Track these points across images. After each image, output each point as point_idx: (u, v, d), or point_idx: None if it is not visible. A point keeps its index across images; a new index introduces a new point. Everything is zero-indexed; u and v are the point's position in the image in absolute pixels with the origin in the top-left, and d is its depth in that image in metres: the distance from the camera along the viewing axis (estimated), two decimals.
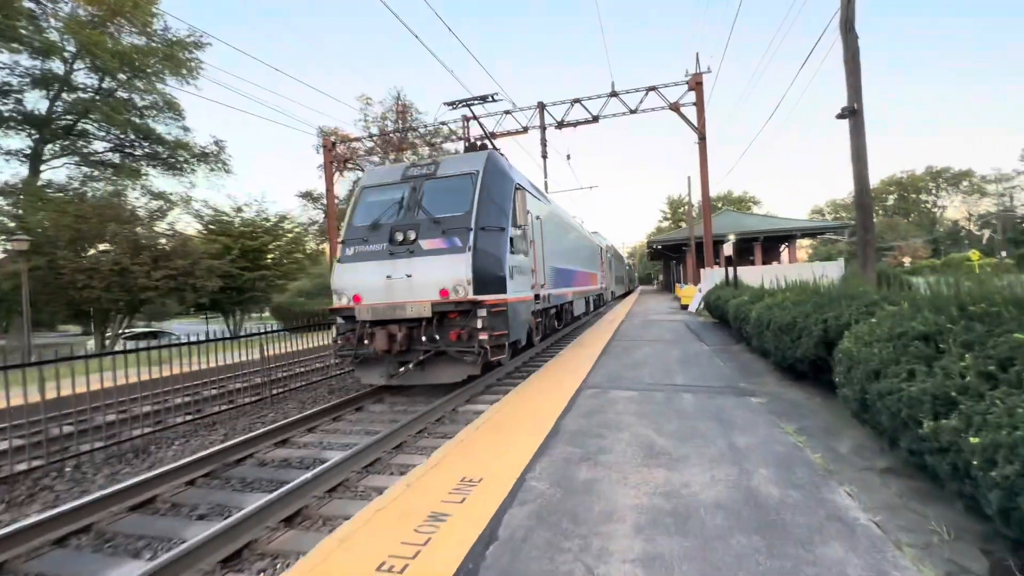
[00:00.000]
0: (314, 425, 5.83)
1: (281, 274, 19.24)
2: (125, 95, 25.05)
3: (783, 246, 33.99)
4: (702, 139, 20.00)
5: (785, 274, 9.29)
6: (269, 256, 18.27)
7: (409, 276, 6.10)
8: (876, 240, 8.44)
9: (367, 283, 6.28)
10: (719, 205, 69.72)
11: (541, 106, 21.62)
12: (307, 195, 36.78)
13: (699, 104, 19.89)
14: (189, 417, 6.43)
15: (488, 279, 6.11)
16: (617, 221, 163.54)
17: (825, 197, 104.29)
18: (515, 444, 3.93)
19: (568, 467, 3.39)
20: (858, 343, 3.50)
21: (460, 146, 25.14)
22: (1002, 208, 56.79)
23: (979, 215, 61.49)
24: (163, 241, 14.83)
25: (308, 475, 3.78)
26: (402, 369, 6.18)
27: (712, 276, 16.49)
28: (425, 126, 25.62)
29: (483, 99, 8.43)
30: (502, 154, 7.52)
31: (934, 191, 65.03)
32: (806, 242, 43.55)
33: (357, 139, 27.40)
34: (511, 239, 6.52)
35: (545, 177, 21.99)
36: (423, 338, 6.04)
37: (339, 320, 6.53)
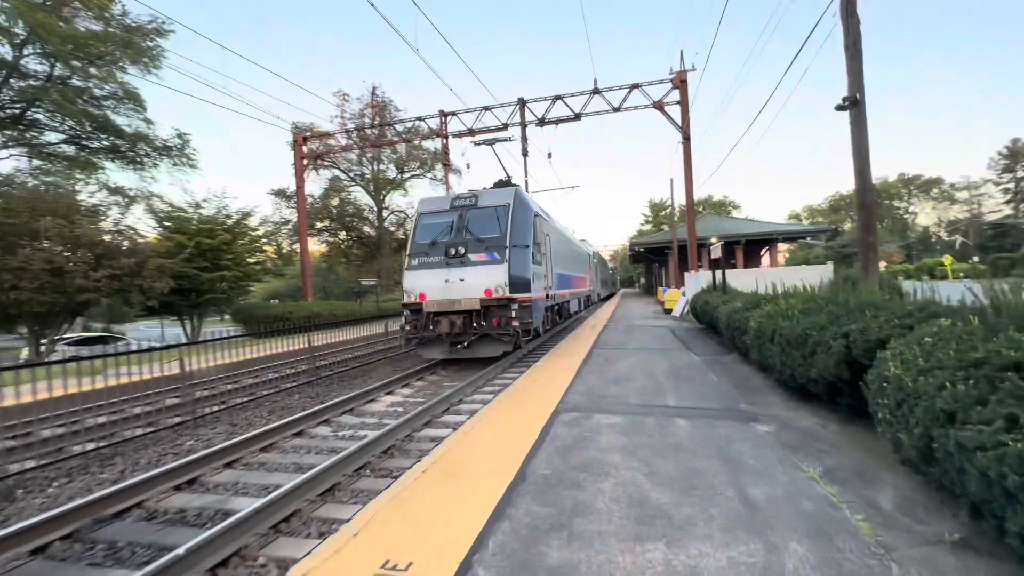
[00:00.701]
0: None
1: (243, 275, 17.95)
2: (81, 83, 23.37)
3: (764, 250, 33.80)
4: (686, 139, 19.44)
5: (781, 278, 8.54)
6: (229, 256, 16.99)
7: (462, 280, 8.71)
8: (878, 242, 7.76)
9: (430, 285, 8.82)
10: (700, 209, 69.94)
11: (522, 103, 20.79)
12: (280, 193, 35.28)
13: (683, 103, 19.32)
14: (91, 446, 5.32)
15: (518, 283, 8.70)
16: (598, 223, 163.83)
17: (802, 202, 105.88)
18: (467, 499, 3.00)
19: (533, 541, 2.47)
20: (910, 369, 2.65)
21: (439, 142, 24.10)
22: (971, 215, 58.05)
23: (948, 221, 62.84)
24: (107, 238, 13.47)
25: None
26: (459, 346, 8.66)
27: (697, 279, 15.82)
28: (402, 122, 24.53)
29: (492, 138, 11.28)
30: (514, 182, 10.48)
31: (906, 198, 66.36)
32: (783, 247, 43.61)
33: (329, 134, 26.13)
34: (532, 254, 9.22)
35: (526, 176, 21.13)
36: (473, 324, 8.58)
37: (406, 312, 9.01)
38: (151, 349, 6.24)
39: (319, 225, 37.72)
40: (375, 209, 39.49)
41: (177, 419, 6.30)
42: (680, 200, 29.64)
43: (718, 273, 12.30)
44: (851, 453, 3.68)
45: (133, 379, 7.17)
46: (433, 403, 6.46)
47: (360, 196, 39.68)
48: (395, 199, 41.22)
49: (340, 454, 4.54)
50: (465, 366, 10.09)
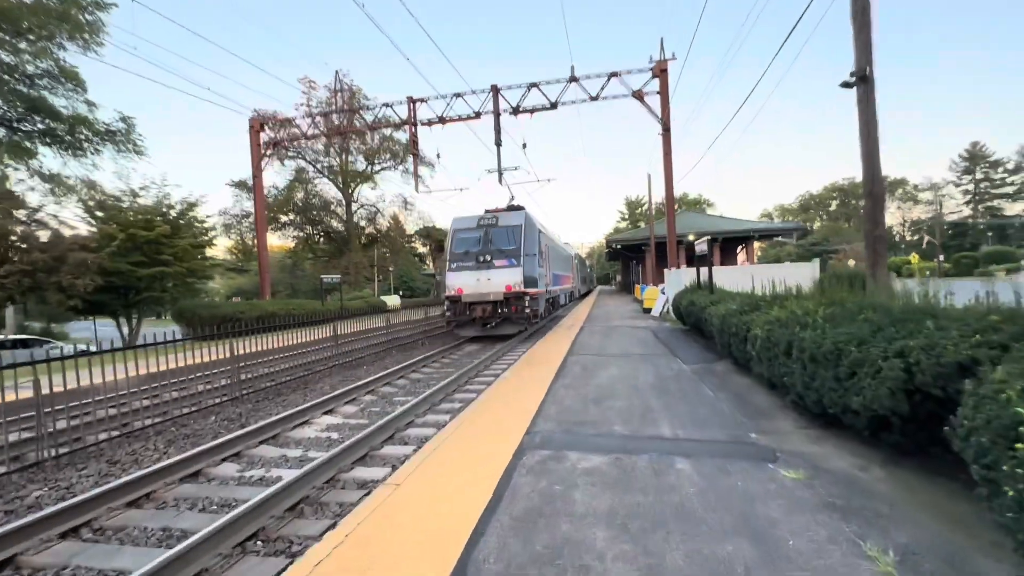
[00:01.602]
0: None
1: (189, 271, 16.23)
2: (9, 59, 21.01)
3: (740, 247, 33.56)
4: (666, 131, 18.58)
5: (765, 275, 7.60)
6: (170, 250, 15.24)
7: (489, 279, 12.66)
8: (886, 237, 6.89)
9: (466, 283, 12.76)
10: (677, 207, 69.87)
11: (495, 90, 19.56)
12: (241, 184, 33.14)
13: (663, 93, 18.44)
14: None
15: (529, 281, 12.51)
16: (574, 219, 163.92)
17: (772, 201, 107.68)
18: None
19: None
20: None
21: (407, 131, 22.65)
22: (933, 215, 59.58)
23: (912, 221, 64.46)
24: (20, 229, 11.66)
25: None
26: (487, 326, 12.80)
27: (678, 277, 15.00)
28: (369, 109, 22.98)
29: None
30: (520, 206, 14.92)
31: None
32: (758, 244, 43.78)
33: (290, 121, 24.36)
34: (538, 260, 13.03)
35: (499, 167, 19.91)
36: (499, 311, 12.52)
37: (447, 303, 12.93)
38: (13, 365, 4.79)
39: (284, 218, 35.74)
40: (344, 203, 37.74)
41: (53, 455, 4.90)
42: (659, 195, 28.94)
43: (704, 271, 11.44)
44: (924, 521, 2.64)
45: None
46: (378, 426, 5.25)
47: (328, 189, 37.91)
48: (364, 192, 39.73)
49: (230, 513, 3.30)
50: (431, 375, 9.11)
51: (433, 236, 41.66)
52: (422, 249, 51.11)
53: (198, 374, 8.13)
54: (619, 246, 32.98)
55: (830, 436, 3.96)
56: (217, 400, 7.22)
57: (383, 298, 30.56)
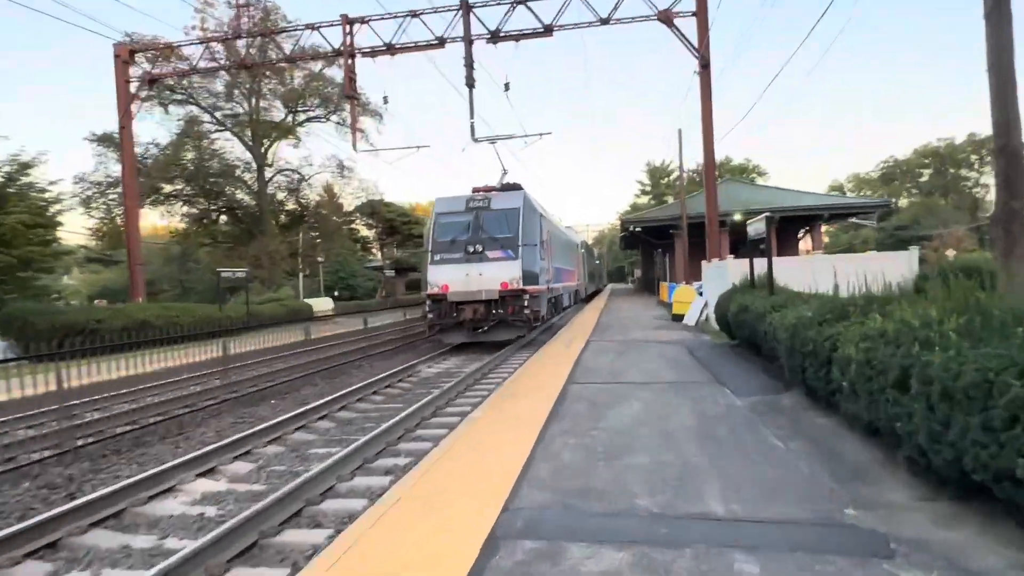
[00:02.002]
0: None
1: (20, 260, 15.34)
2: None
3: (803, 231, 33.62)
4: (704, 67, 18.32)
5: (868, 270, 7.31)
6: None
7: (481, 274, 14.01)
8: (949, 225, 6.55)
9: (453, 278, 14.13)
10: (718, 175, 70.06)
11: (466, 7, 19.02)
12: (106, 139, 31.96)
13: (701, 14, 18.15)
14: None
15: (529, 276, 13.99)
16: (576, 191, 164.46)
17: (844, 171, 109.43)
18: None
19: None
20: None
21: (342, 65, 21.95)
22: None
23: None
24: None
25: None
26: (479, 331, 13.86)
27: (722, 272, 14.69)
28: (288, 33, 22.22)
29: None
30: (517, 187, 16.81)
31: (977, 166, 68.81)
32: (826, 227, 43.91)
33: (175, 48, 23.46)
34: (539, 251, 14.54)
35: (472, 117, 19.43)
36: (493, 312, 13.78)
37: (429, 302, 14.38)
38: None
39: (168, 188, 34.74)
40: (254, 166, 37.02)
41: None
42: (692, 158, 28.73)
43: (760, 263, 11.11)
44: None
45: None
46: (279, 497, 4.69)
47: (232, 147, 37.06)
48: (284, 152, 39.09)
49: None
50: (371, 412, 8.81)
51: (381, 214, 41.05)
52: (366, 232, 50.54)
53: (10, 416, 7.46)
54: (638, 229, 32.90)
55: (973, 514, 3.53)
56: (36, 456, 6.57)
57: (309, 300, 29.85)
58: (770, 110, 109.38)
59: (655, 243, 36.37)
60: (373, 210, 41.29)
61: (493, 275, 14.65)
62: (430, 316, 15.05)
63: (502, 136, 20.22)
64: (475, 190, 16.45)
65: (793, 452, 4.89)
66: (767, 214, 10.18)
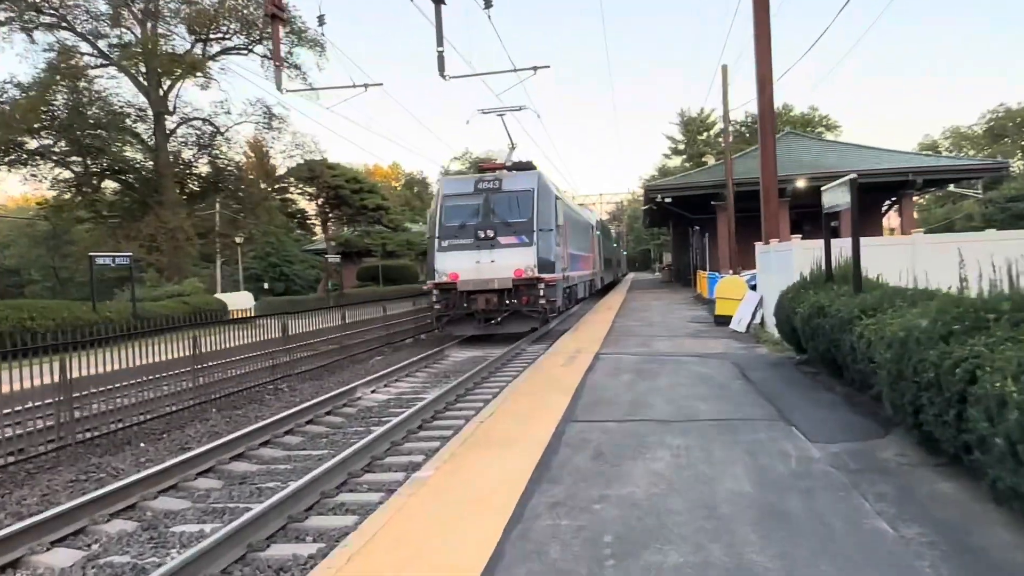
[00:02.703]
0: None
1: None
2: None
3: (887, 202, 33.18)
4: None
5: (994, 253, 6.46)
6: None
7: (493, 261, 17.31)
8: None
9: (462, 266, 17.31)
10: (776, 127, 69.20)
11: None
12: None
13: None
14: None
15: (545, 264, 17.36)
16: (588, 153, 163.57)
17: (938, 126, 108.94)
18: None
19: None
20: None
21: None
22: None
23: None
24: None
25: None
26: (491, 322, 17.25)
27: (781, 260, 14.10)
28: None
29: None
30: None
31: None
32: (917, 198, 43.33)
33: None
34: (554, 237, 17.91)
35: (440, 45, 18.50)
36: (506, 302, 17.03)
37: (436, 292, 17.67)
38: None
39: (32, 144, 33.90)
40: (150, 114, 36.44)
41: None
42: (740, 108, 28.15)
43: (839, 246, 10.55)
44: None
45: None
46: None
47: (120, 88, 36.14)
48: (189, 95, 38.23)
49: None
50: (277, 469, 8.29)
51: (323, 178, 40.14)
52: (305, 204, 49.83)
53: None
54: (668, 200, 32.51)
55: None
56: None
57: (223, 296, 29.15)
58: (841, 47, 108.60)
59: (691, 218, 36.20)
60: (313, 173, 40.26)
61: (506, 262, 17.51)
62: (437, 307, 18.11)
63: (479, 71, 19.44)
64: (481, 168, 19.52)
65: (910, 544, 4.08)
66: (851, 176, 9.44)
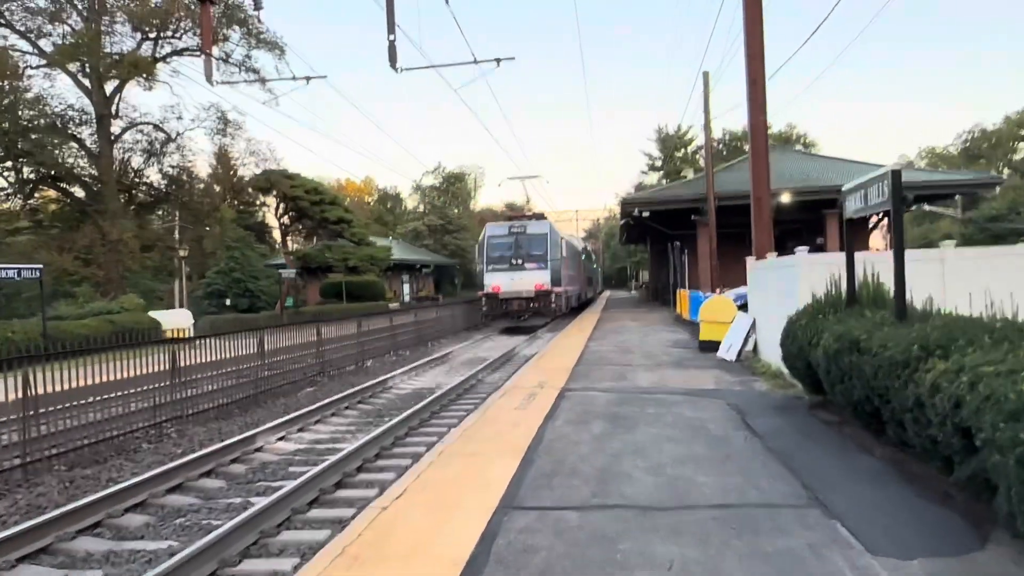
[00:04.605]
0: None
1: None
2: None
3: (876, 218, 31.76)
4: None
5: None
6: None
7: (521, 279, 30.16)
8: None
9: (501, 282, 30.11)
10: (740, 144, 68.31)
11: None
12: None
13: None
14: None
15: (555, 281, 30.39)
16: (562, 164, 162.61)
17: (913, 144, 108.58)
18: None
19: None
20: None
21: None
22: None
23: None
24: None
25: None
26: (520, 318, 30.10)
27: (781, 277, 12.49)
28: None
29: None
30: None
31: None
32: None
33: None
34: (560, 264, 31.39)
35: (391, 33, 16.35)
36: (530, 305, 30.15)
37: (484, 299, 30.54)
38: None
39: None
40: (93, 118, 34.68)
41: None
42: (718, 124, 26.45)
43: (870, 260, 8.86)
44: None
45: None
46: None
47: (60, 89, 34.05)
48: (137, 97, 36.63)
49: None
50: None
51: (281, 189, 37.84)
52: (271, 219, 47.81)
53: None
54: (646, 214, 31.58)
55: None
56: None
57: (158, 314, 26.69)
58: (817, 64, 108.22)
59: (670, 234, 35.61)
60: (271, 184, 38.08)
61: (530, 279, 28.79)
62: (485, 308, 29.74)
63: (441, 64, 17.62)
64: (509, 218, 32.73)
65: None
66: (891, 167, 7.32)
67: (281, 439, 10.02)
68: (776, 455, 6.54)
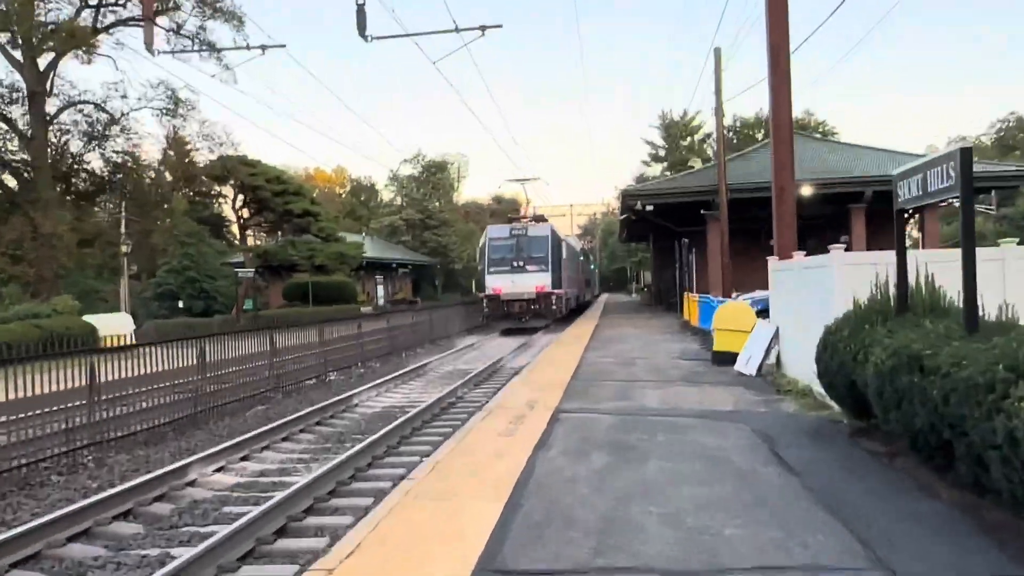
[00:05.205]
0: None
1: None
2: None
3: (906, 213, 31.53)
4: None
5: None
6: None
7: (522, 281, 35.01)
8: None
9: (503, 284, 34.92)
10: (758, 132, 68.12)
11: None
12: None
13: None
14: None
15: (555, 283, 35.69)
16: (556, 154, 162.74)
17: (944, 134, 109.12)
18: None
19: None
20: None
21: None
22: None
23: None
24: None
25: None
26: (521, 320, 34.88)
27: (811, 281, 12.14)
28: None
29: None
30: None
31: None
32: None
33: None
34: (561, 266, 37.45)
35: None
36: (531, 307, 35.04)
37: (486, 300, 35.47)
38: None
39: None
40: (25, 95, 34.25)
41: None
42: (730, 110, 26.47)
43: (917, 262, 8.28)
44: None
45: None
46: None
47: None
48: (76, 72, 36.75)
49: None
50: None
51: (239, 177, 37.35)
52: (229, 212, 47.29)
53: None
54: (649, 207, 31.65)
55: None
56: None
57: (93, 318, 26.15)
58: (834, 51, 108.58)
59: (676, 231, 35.70)
60: (227, 172, 37.53)
61: (531, 282, 32.54)
62: (486, 309, 33.49)
63: (417, 33, 17.07)
64: (510, 220, 37.44)
65: None
66: (959, 145, 6.70)
67: (220, 470, 9.41)
68: (819, 498, 5.94)
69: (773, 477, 6.71)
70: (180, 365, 13.20)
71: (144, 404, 11.90)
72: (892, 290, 8.40)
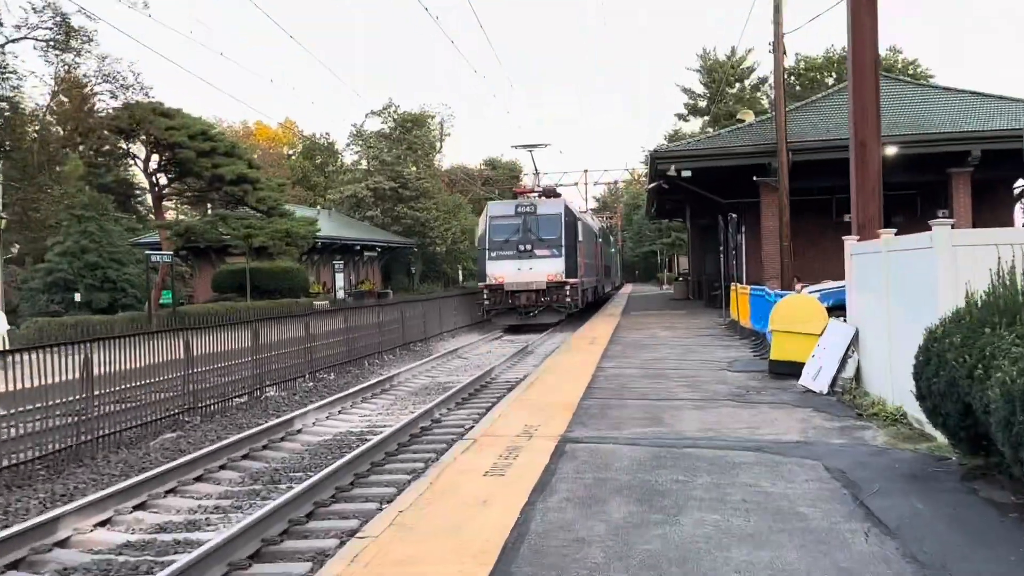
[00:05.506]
0: None
1: None
2: None
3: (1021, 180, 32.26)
4: None
5: None
6: None
7: (531, 268, 40.01)
8: None
9: (507, 272, 39.72)
10: (822, 76, 68.11)
11: None
12: None
13: None
14: None
15: (570, 270, 40.90)
16: (568, 107, 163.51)
17: None
18: None
19: None
20: None
21: None
22: None
23: None
24: None
25: None
26: (529, 315, 39.22)
27: (904, 266, 12.07)
28: None
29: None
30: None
31: None
32: None
33: None
34: (577, 250, 42.39)
35: None
36: (541, 299, 39.85)
37: (486, 291, 40.14)
38: None
39: None
40: None
41: None
42: (796, 41, 26.98)
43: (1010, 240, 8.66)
44: None
45: None
46: None
47: None
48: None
49: None
50: None
51: (153, 132, 37.34)
52: (141, 178, 47.44)
53: None
54: (685, 173, 31.99)
55: None
56: None
57: None
58: None
59: (720, 204, 36.10)
60: (137, 123, 37.44)
61: (541, 269, 35.16)
62: (486, 303, 35.48)
63: None
64: (517, 193, 42.80)
65: None
66: None
67: (104, 523, 9.22)
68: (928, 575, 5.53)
69: (860, 540, 6.34)
70: (62, 379, 12.95)
71: (5, 434, 11.66)
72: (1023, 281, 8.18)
